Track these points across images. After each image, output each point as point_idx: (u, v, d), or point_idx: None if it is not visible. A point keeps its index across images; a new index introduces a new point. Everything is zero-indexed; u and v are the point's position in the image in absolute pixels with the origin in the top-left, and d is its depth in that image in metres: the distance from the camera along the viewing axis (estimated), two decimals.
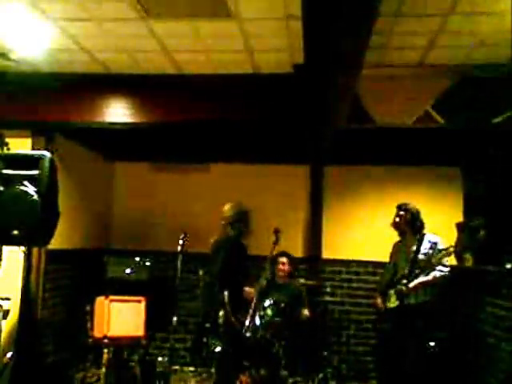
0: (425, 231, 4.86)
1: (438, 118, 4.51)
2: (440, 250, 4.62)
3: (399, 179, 6.37)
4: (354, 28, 2.98)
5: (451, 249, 4.51)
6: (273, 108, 4.76)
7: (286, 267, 5.62)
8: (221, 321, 4.46)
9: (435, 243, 4.76)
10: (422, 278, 4.65)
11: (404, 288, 4.64)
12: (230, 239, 4.70)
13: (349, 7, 2.74)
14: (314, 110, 4.55)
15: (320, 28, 3.05)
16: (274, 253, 5.07)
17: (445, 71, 4.43)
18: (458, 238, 5.71)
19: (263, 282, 5.10)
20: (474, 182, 6.04)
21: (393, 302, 4.84)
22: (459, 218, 6.08)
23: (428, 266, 4.63)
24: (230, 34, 3.97)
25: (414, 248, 4.78)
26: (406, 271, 4.76)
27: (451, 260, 4.97)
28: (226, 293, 4.41)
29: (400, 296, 4.72)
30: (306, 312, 5.34)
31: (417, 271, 4.68)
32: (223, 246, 4.66)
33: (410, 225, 4.88)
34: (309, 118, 4.67)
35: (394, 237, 5.12)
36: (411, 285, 4.63)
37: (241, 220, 4.74)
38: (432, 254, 4.70)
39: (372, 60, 4.11)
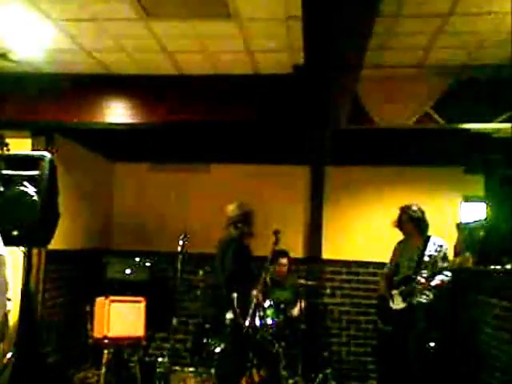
0: (429, 233, 4.87)
1: (438, 119, 4.51)
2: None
3: (399, 179, 6.37)
4: (354, 28, 2.98)
5: (470, 258, 4.55)
6: (273, 109, 4.76)
7: (286, 267, 5.69)
8: (228, 323, 4.47)
9: (441, 246, 4.77)
10: (439, 279, 4.67)
11: (420, 284, 4.65)
12: (235, 241, 4.70)
13: (349, 8, 2.74)
14: (314, 110, 4.55)
15: (320, 28, 3.05)
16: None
17: (445, 72, 4.43)
18: (458, 238, 5.71)
19: (267, 282, 5.13)
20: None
21: (397, 304, 4.84)
22: (459, 218, 6.08)
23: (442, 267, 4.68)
24: (230, 35, 3.96)
25: (419, 249, 4.79)
26: (411, 272, 4.76)
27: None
28: (234, 295, 4.42)
29: (405, 296, 4.74)
30: (295, 310, 5.37)
31: (423, 272, 4.69)
32: (230, 248, 4.66)
33: (414, 226, 4.87)
34: (309, 119, 4.66)
35: (395, 237, 5.12)
36: (433, 282, 4.64)
37: (244, 220, 4.75)
38: (437, 256, 4.73)
39: (372, 60, 4.11)
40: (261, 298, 4.89)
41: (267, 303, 5.05)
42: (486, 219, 5.37)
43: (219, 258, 4.79)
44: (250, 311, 4.45)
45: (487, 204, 5.50)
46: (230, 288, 4.53)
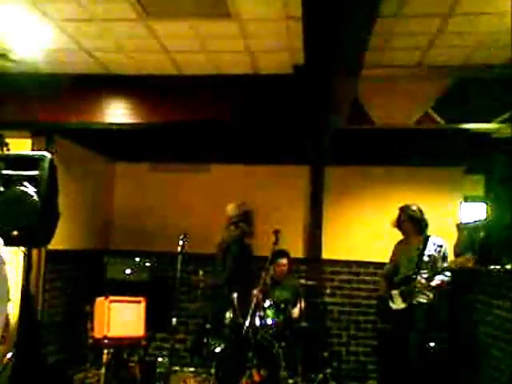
0: (428, 233, 4.87)
1: (438, 119, 4.51)
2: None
3: (399, 179, 6.37)
4: (354, 29, 2.98)
5: (471, 259, 4.56)
6: (273, 109, 4.76)
7: (286, 267, 5.68)
8: (228, 322, 4.46)
9: (440, 246, 4.77)
10: (439, 279, 4.66)
11: (420, 284, 4.65)
12: (236, 241, 4.69)
13: (349, 8, 2.74)
14: (314, 110, 4.55)
15: (320, 29, 3.05)
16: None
17: (444, 72, 4.43)
18: (458, 238, 5.71)
19: (266, 282, 5.13)
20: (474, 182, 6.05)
21: (397, 304, 4.84)
22: (459, 218, 6.08)
23: (441, 268, 4.67)
24: (230, 35, 3.96)
25: (419, 249, 4.78)
26: (411, 272, 4.76)
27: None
28: (235, 295, 4.42)
29: (405, 296, 4.74)
30: (295, 310, 5.37)
31: (422, 272, 4.69)
32: (231, 248, 4.66)
33: (414, 226, 4.87)
34: (309, 119, 4.66)
35: (395, 237, 5.12)
36: (433, 283, 4.64)
37: (244, 220, 4.75)
38: (437, 256, 4.73)
39: (372, 60, 4.11)
40: (261, 297, 4.89)
41: (267, 303, 5.05)
42: (486, 219, 5.37)
43: (220, 257, 4.79)
44: (250, 311, 4.45)
45: (487, 204, 5.51)
46: (231, 288, 4.53)
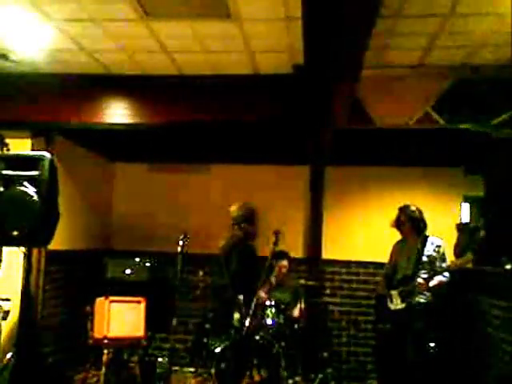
0: (427, 233, 4.87)
1: (438, 119, 4.51)
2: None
3: (400, 180, 6.37)
4: (354, 29, 2.98)
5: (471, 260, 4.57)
6: (273, 109, 4.76)
7: (286, 269, 5.70)
8: (236, 324, 4.47)
9: (439, 246, 4.77)
10: (437, 280, 4.66)
11: (419, 285, 4.65)
12: (240, 242, 4.70)
13: (349, 8, 2.75)
14: (314, 110, 4.55)
15: (320, 29, 3.05)
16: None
17: (445, 72, 4.43)
18: (458, 239, 5.71)
19: (271, 282, 5.14)
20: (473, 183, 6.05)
21: (396, 304, 4.84)
22: (459, 218, 6.09)
23: (440, 269, 4.67)
24: (230, 35, 3.97)
25: (417, 249, 4.78)
26: (410, 272, 4.76)
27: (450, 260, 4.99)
28: (241, 296, 4.42)
29: (404, 296, 4.73)
30: (296, 310, 5.37)
31: (421, 272, 4.69)
32: (235, 249, 4.66)
33: (412, 226, 4.87)
34: (309, 119, 4.67)
35: (395, 237, 5.12)
36: (432, 283, 4.63)
37: (248, 220, 4.75)
38: (435, 256, 4.73)
39: (372, 61, 4.11)
40: (266, 298, 4.91)
41: (267, 303, 5.06)
42: (469, 223, 5.39)
43: (224, 258, 4.79)
44: (251, 311, 4.45)
45: (471, 204, 5.53)
46: (236, 289, 4.53)
